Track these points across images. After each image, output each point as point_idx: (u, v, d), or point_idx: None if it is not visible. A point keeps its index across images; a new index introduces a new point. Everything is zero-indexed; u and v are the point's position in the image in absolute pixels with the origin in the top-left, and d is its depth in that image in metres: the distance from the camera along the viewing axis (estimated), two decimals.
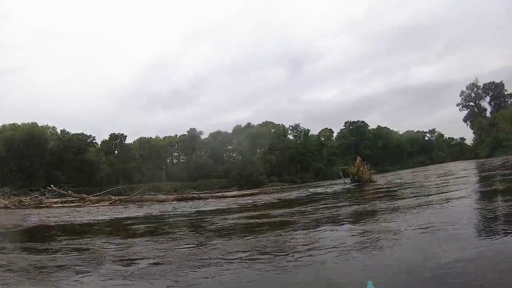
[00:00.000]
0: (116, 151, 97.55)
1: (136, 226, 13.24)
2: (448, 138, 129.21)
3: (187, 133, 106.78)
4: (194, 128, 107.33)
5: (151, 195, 29.93)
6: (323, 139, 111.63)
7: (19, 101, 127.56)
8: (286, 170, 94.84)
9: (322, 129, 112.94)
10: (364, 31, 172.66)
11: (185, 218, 15.24)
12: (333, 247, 6.67)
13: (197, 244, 8.30)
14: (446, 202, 11.02)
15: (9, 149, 75.51)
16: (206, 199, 27.32)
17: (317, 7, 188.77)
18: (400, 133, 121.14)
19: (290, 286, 4.96)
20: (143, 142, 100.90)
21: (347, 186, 29.71)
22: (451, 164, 64.28)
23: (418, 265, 5.06)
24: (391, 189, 21.56)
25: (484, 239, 6.17)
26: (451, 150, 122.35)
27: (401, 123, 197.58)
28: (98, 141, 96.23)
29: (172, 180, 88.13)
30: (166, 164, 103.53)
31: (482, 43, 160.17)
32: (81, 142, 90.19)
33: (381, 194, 18.63)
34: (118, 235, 11.37)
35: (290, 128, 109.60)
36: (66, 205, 25.46)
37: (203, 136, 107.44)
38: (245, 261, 6.30)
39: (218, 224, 12.18)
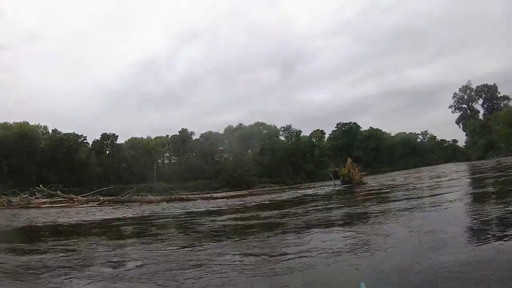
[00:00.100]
0: (107, 151, 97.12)
1: (124, 227, 13.19)
2: (441, 140, 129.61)
3: (178, 134, 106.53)
4: (186, 129, 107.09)
5: (140, 196, 29.78)
6: (314, 140, 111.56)
7: (10, 100, 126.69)
8: (278, 171, 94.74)
9: (314, 131, 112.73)
10: (357, 32, 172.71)
11: (173, 220, 15.17)
12: (324, 249, 6.60)
13: (186, 246, 8.22)
14: (438, 205, 10.97)
15: (0, 148, 74.83)
16: (195, 200, 27.23)
17: (310, 8, 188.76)
18: (392, 134, 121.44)
19: None
20: (134, 142, 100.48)
21: (337, 188, 29.61)
22: (443, 166, 64.42)
23: (410, 268, 5.00)
24: (382, 191, 21.53)
25: (475, 243, 6.10)
26: (443, 152, 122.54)
27: (393, 125, 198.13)
28: (90, 141, 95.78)
29: (163, 180, 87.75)
30: (157, 165, 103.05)
31: (475, 46, 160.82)
32: (72, 142, 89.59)
33: (372, 196, 18.57)
34: (106, 236, 11.28)
35: (282, 129, 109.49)
36: (55, 205, 25.30)
37: (194, 137, 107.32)
38: (235, 263, 6.22)
39: (207, 225, 12.13)
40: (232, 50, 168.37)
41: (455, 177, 25.17)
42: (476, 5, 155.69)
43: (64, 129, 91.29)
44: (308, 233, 8.72)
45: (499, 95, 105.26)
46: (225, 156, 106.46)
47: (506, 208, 8.67)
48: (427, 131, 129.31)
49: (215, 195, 32.13)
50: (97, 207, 23.61)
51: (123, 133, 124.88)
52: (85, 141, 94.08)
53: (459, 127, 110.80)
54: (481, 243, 5.94)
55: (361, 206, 14.40)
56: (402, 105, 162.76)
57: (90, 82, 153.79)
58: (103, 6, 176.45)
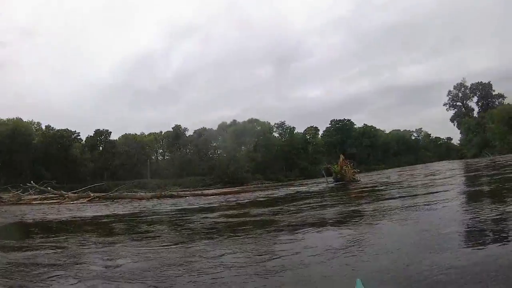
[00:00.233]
0: (100, 147, 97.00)
1: (114, 224, 13.07)
2: (435, 137, 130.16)
3: (172, 130, 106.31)
4: (179, 125, 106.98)
5: (131, 192, 29.64)
6: (308, 137, 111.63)
7: (3, 97, 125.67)
8: (271, 168, 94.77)
9: (308, 127, 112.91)
10: (352, 29, 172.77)
11: (164, 216, 15.11)
12: (317, 248, 6.51)
13: (177, 244, 8.12)
14: (433, 204, 10.80)
15: None
16: (186, 197, 27.14)
17: (305, 4, 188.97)
18: (387, 132, 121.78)
19: None
20: (128, 139, 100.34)
21: (330, 185, 29.50)
22: (438, 164, 64.64)
23: (405, 267, 4.91)
24: (375, 188, 21.46)
25: (471, 244, 5.98)
26: (437, 149, 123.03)
27: (388, 122, 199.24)
28: (83, 136, 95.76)
29: (157, 176, 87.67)
30: (151, 161, 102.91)
31: (471, 44, 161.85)
32: (65, 138, 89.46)
33: (365, 194, 18.47)
34: (96, 233, 11.19)
35: (276, 125, 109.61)
36: (45, 202, 25.13)
37: (188, 133, 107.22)
38: (227, 261, 6.09)
39: (199, 222, 12.06)
40: (227, 46, 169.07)
41: (450, 175, 25.16)
42: (472, 3, 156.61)
43: (58, 125, 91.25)
44: (301, 231, 8.61)
45: (493, 93, 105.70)
46: (218, 152, 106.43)
47: (502, 208, 8.58)
48: (421, 128, 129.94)
49: (206, 191, 32.00)
50: (88, 204, 23.46)
51: (117, 129, 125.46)
52: (78, 137, 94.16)
53: (454, 124, 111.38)
54: (478, 245, 5.82)
55: (354, 204, 14.25)
56: (397, 102, 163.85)
57: (84, 78, 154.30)
58: (98, 2, 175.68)
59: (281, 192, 27.31)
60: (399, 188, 19.31)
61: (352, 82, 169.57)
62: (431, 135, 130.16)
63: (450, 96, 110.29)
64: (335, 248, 6.41)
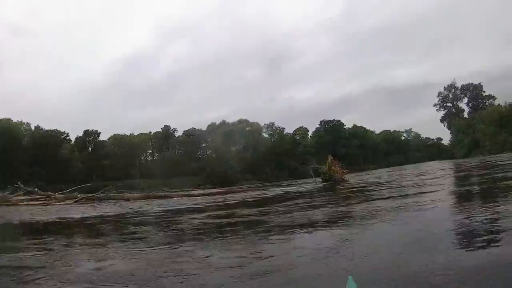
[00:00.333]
0: (90, 148, 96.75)
1: (101, 225, 12.93)
2: (425, 138, 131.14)
3: (161, 130, 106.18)
4: (168, 125, 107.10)
5: (118, 193, 29.44)
6: (298, 137, 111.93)
7: None
8: (261, 169, 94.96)
9: (297, 128, 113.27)
10: (343, 31, 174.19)
11: (152, 217, 14.94)
12: (307, 248, 6.42)
13: (165, 245, 8.00)
14: (424, 204, 10.78)
15: None
16: (173, 197, 27.03)
17: (296, 6, 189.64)
18: (377, 132, 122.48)
19: None
20: (117, 139, 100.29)
21: (318, 185, 29.49)
22: (428, 164, 65.01)
23: (397, 267, 4.83)
24: (364, 189, 21.45)
25: (465, 245, 5.90)
26: (427, 150, 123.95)
27: (378, 123, 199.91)
28: (73, 137, 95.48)
29: (146, 177, 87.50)
30: (140, 162, 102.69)
31: (461, 45, 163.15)
32: (54, 139, 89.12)
33: (353, 194, 18.47)
34: (83, 234, 11.10)
35: (265, 126, 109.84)
36: (31, 203, 24.87)
37: (177, 134, 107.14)
38: (215, 263, 6.01)
39: (186, 223, 11.95)
40: (218, 47, 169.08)
41: (440, 175, 25.25)
42: (463, 5, 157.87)
43: (47, 126, 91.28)
44: (290, 232, 8.56)
45: (484, 94, 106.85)
46: (208, 153, 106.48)
47: (494, 208, 8.55)
48: (411, 129, 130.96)
49: (195, 192, 31.90)
50: (75, 205, 23.24)
51: (107, 129, 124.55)
52: (67, 137, 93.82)
53: (444, 125, 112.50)
54: (472, 245, 5.75)
55: (343, 204, 14.21)
56: (387, 103, 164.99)
57: (74, 78, 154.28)
58: (89, 2, 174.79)
59: (270, 192, 27.22)
60: (389, 188, 19.26)
61: (342, 83, 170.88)
62: (421, 136, 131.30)
63: (440, 97, 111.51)
64: (325, 248, 6.32)
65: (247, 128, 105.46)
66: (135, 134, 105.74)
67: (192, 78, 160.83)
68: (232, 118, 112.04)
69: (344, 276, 4.11)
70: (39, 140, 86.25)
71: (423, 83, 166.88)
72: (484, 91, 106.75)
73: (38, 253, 7.67)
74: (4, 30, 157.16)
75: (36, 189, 29.09)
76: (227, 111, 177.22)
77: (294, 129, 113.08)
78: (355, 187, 23.09)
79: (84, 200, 25.71)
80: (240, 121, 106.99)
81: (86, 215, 16.80)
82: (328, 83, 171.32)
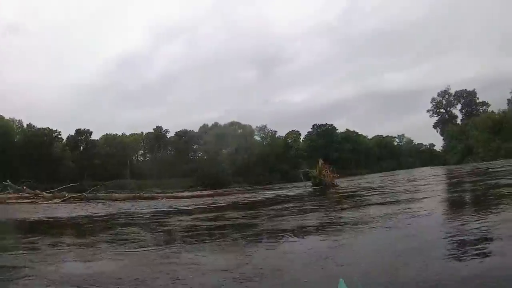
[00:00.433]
0: (81, 147, 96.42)
1: (88, 225, 12.84)
2: (418, 143, 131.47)
3: (153, 131, 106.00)
4: (160, 126, 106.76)
5: (107, 193, 29.26)
6: (290, 141, 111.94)
7: None
8: (252, 171, 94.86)
9: (289, 131, 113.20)
10: (337, 35, 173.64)
11: (140, 218, 14.85)
12: (297, 253, 6.41)
13: (152, 247, 7.91)
14: (417, 210, 10.67)
15: None
16: (162, 198, 26.92)
17: (291, 9, 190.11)
18: (369, 137, 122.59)
19: None
20: (109, 139, 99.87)
21: (308, 189, 29.42)
22: (420, 170, 65.15)
23: (391, 273, 4.79)
24: (355, 193, 21.42)
25: (460, 252, 5.82)
26: (420, 156, 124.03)
27: (371, 128, 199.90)
28: (64, 136, 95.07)
29: (137, 178, 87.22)
30: (132, 162, 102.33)
31: (456, 51, 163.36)
32: (46, 137, 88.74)
33: (343, 199, 18.43)
34: (70, 234, 11.00)
35: (257, 129, 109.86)
36: (20, 201, 24.63)
37: (169, 135, 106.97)
38: (204, 267, 5.93)
39: (175, 225, 11.85)
40: (212, 49, 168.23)
41: (433, 181, 25.26)
42: (458, 11, 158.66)
43: (40, 124, 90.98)
44: (280, 236, 8.52)
45: (478, 101, 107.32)
46: (199, 155, 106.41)
47: (487, 215, 8.51)
48: (404, 134, 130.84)
49: (184, 193, 31.83)
50: (63, 204, 23.06)
51: (99, 129, 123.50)
52: (59, 136, 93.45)
53: (437, 131, 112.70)
54: (466, 253, 5.64)
55: (333, 209, 14.15)
56: (379, 108, 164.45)
57: (67, 77, 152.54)
58: (83, 1, 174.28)
59: (260, 195, 27.21)
60: (380, 194, 19.13)
61: (335, 87, 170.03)
62: (414, 141, 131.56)
63: (433, 103, 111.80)
64: (315, 253, 6.28)
65: (239, 131, 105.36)
66: (127, 134, 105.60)
67: (185, 79, 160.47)
68: (224, 120, 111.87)
69: (335, 281, 4.03)
70: (31, 138, 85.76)
71: (416, 89, 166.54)
72: (478, 98, 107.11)
73: (24, 252, 7.55)
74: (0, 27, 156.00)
75: (24, 187, 28.81)
76: (219, 113, 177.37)
77: (286, 132, 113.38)
78: (346, 192, 23.04)
79: (72, 199, 25.52)
80: (232, 123, 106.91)
81: (74, 215, 16.65)
82: (321, 87, 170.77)
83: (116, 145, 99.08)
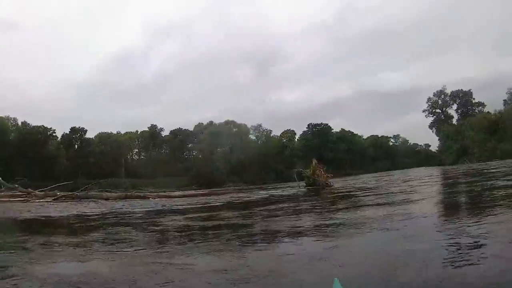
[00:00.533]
0: (76, 145, 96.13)
1: (80, 225, 12.69)
2: (413, 144, 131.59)
3: (148, 129, 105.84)
4: (155, 125, 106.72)
5: (100, 191, 29.09)
6: (285, 140, 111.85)
7: None
8: (247, 171, 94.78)
9: (284, 131, 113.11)
10: (333, 34, 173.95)
11: (132, 218, 14.69)
12: (293, 255, 6.29)
13: (145, 248, 7.79)
14: (413, 211, 10.61)
15: None
16: (155, 198, 26.80)
17: (287, 8, 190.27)
18: (364, 137, 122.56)
19: None
20: (103, 137, 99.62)
21: (301, 189, 29.36)
22: (415, 170, 65.30)
23: (386, 275, 4.73)
24: (349, 194, 21.38)
25: (456, 256, 5.69)
26: (415, 156, 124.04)
27: (366, 128, 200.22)
28: (59, 134, 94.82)
29: (132, 176, 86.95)
30: (126, 160, 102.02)
31: (452, 51, 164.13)
32: (40, 135, 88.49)
33: (337, 199, 18.44)
34: (61, 234, 10.84)
35: (252, 128, 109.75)
36: (12, 199, 24.43)
37: (164, 133, 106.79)
38: (197, 268, 5.84)
39: (168, 225, 11.73)
40: (208, 48, 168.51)
41: (428, 182, 25.25)
42: (454, 12, 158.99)
43: (34, 122, 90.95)
44: (274, 237, 8.45)
45: (474, 101, 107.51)
46: (194, 153, 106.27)
47: (483, 217, 8.43)
48: (399, 134, 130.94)
49: (176, 193, 31.73)
50: (55, 203, 22.87)
51: (94, 127, 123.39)
52: (54, 134, 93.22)
53: (432, 131, 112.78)
54: (464, 257, 5.52)
55: (328, 210, 14.09)
56: (375, 108, 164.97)
57: (62, 75, 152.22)
58: None
59: (255, 195, 27.16)
60: (376, 195, 19.06)
61: (331, 86, 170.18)
62: (409, 142, 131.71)
63: (429, 103, 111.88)
64: (310, 254, 6.19)
65: (234, 130, 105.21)
66: (122, 132, 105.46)
67: (180, 78, 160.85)
68: (219, 119, 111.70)
69: (330, 281, 3.94)
70: (26, 136, 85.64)
71: (412, 89, 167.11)
72: (474, 98, 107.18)
73: (13, 252, 7.41)
74: None
75: (16, 186, 28.60)
76: (214, 112, 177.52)
77: (282, 131, 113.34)
78: (341, 192, 22.98)
79: (63, 198, 25.35)
80: (227, 122, 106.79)
81: (65, 214, 16.50)
82: (316, 86, 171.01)
83: (111, 144, 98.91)
